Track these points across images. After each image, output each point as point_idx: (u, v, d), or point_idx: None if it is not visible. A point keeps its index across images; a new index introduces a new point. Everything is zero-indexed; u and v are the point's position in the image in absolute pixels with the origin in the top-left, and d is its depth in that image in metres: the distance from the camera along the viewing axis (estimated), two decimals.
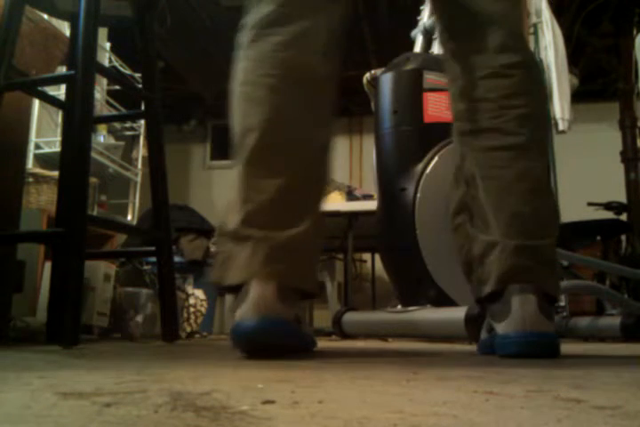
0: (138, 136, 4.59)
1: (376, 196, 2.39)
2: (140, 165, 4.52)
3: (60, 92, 2.78)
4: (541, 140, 1.16)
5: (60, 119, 3.54)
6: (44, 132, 3.63)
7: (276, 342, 0.91)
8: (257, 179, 0.99)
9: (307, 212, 1.00)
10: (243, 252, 0.95)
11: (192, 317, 2.51)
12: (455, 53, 1.18)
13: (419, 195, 2.15)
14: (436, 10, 1.25)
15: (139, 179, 4.49)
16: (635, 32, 4.17)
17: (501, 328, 1.02)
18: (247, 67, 1.05)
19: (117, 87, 3.72)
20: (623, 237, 3.85)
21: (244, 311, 0.90)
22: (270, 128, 1.00)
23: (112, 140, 4.22)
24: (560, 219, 1.16)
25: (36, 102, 3.11)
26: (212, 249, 1.02)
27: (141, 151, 4.52)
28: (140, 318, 2.08)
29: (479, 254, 1.09)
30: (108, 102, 4.14)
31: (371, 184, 2.92)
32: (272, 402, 0.42)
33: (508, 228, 1.06)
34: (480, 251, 1.08)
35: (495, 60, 1.12)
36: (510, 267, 1.03)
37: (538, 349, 0.99)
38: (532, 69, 1.17)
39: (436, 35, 2.51)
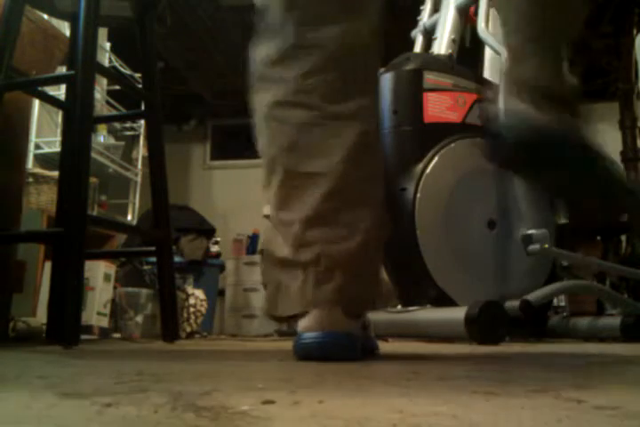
0: (138, 136, 4.59)
1: None
2: (140, 165, 4.51)
3: (60, 92, 2.77)
4: None
5: (60, 119, 3.53)
6: (44, 133, 3.63)
7: (338, 357, 0.87)
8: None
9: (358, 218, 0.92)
10: (294, 281, 0.89)
11: (192, 317, 2.51)
12: None
13: (419, 195, 2.15)
14: None
15: (139, 179, 4.48)
16: (635, 32, 4.17)
17: None
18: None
19: (117, 87, 3.72)
20: (623, 237, 3.85)
21: (309, 325, 0.87)
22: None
23: (112, 141, 4.22)
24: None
25: (36, 102, 3.11)
26: (262, 278, 0.96)
27: (141, 151, 4.51)
28: (139, 318, 2.08)
29: None
30: (108, 102, 4.13)
31: None
32: (272, 402, 0.42)
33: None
34: None
35: None
36: None
37: None
38: None
39: (436, 35, 2.51)
